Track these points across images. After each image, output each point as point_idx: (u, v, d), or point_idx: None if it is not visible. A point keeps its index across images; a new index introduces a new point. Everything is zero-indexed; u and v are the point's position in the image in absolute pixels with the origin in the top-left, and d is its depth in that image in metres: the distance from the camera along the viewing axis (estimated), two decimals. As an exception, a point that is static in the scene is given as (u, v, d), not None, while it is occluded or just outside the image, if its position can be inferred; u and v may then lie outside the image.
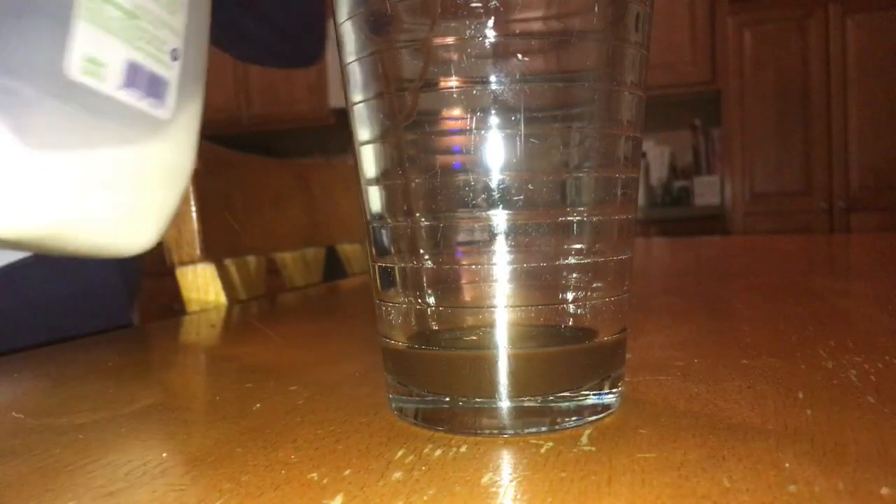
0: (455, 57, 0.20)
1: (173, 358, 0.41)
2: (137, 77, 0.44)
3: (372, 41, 0.22)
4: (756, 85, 2.92)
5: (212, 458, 0.20)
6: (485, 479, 0.18)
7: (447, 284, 0.22)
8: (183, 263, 0.61)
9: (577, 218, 0.21)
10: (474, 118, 0.20)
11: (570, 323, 0.22)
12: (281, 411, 0.25)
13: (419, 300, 0.22)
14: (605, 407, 0.22)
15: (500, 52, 0.20)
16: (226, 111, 3.45)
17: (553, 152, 0.21)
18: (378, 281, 0.24)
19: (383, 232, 0.23)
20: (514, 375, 0.21)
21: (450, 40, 0.20)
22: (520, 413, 0.21)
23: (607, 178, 0.22)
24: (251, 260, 0.72)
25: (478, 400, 0.21)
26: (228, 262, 0.66)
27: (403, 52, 0.21)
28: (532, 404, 0.21)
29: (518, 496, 0.17)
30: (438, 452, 0.20)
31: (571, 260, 0.21)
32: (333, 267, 0.91)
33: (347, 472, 0.18)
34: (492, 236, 0.21)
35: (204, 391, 0.31)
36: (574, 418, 0.21)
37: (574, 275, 0.22)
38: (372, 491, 0.17)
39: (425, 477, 0.18)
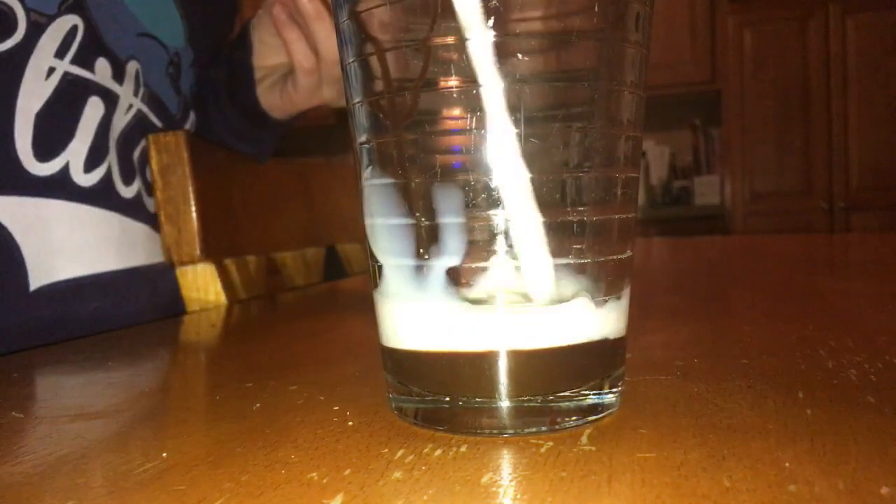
0: (455, 57, 0.20)
1: (173, 358, 0.41)
2: None
3: (372, 41, 0.22)
4: (756, 85, 2.92)
5: (212, 458, 0.20)
6: (485, 479, 0.18)
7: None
8: (183, 263, 0.61)
9: (577, 218, 0.21)
10: (474, 118, 0.20)
11: (570, 323, 0.22)
12: (281, 411, 0.25)
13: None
14: (605, 407, 0.22)
15: (500, 52, 0.20)
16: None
17: (553, 152, 0.21)
18: (378, 280, 0.24)
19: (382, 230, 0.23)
20: (515, 375, 0.21)
21: (450, 40, 0.20)
22: (520, 413, 0.21)
23: (607, 178, 0.22)
24: (251, 260, 0.72)
25: (478, 400, 0.21)
26: (228, 261, 0.66)
27: (403, 52, 0.21)
28: (532, 404, 0.21)
29: (518, 496, 0.17)
30: (438, 452, 0.20)
31: (571, 260, 0.21)
32: (333, 267, 0.91)
33: (347, 472, 0.18)
34: (492, 236, 0.21)
35: (204, 391, 0.31)
36: (574, 418, 0.21)
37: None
38: (372, 491, 0.17)
39: (425, 477, 0.18)
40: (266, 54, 0.67)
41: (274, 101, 0.69)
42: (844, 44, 2.83)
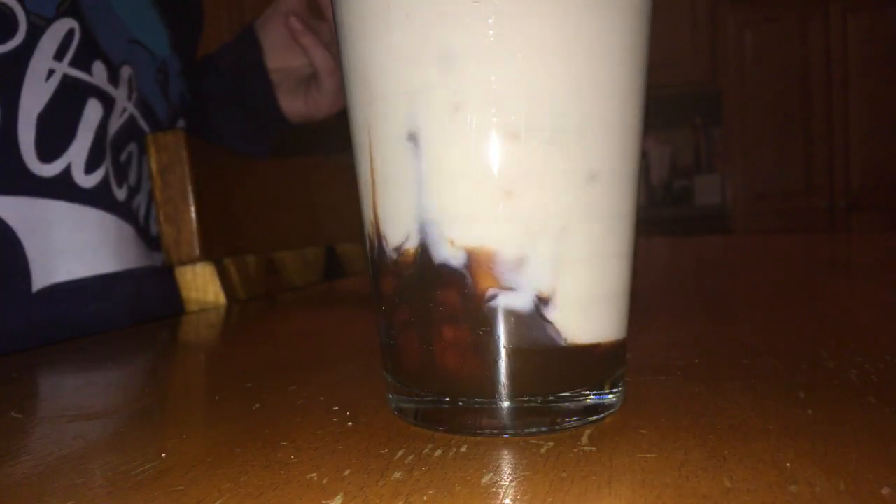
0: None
1: (173, 358, 0.41)
2: None
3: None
4: (757, 83, 2.92)
5: (211, 458, 0.20)
6: (485, 479, 0.18)
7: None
8: (182, 263, 0.61)
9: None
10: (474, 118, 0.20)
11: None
12: (281, 411, 0.25)
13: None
14: (606, 407, 0.22)
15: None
16: (226, 111, 3.44)
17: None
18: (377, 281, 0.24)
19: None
20: (514, 375, 0.21)
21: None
22: (520, 413, 0.21)
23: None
24: (251, 260, 0.72)
25: (478, 400, 0.21)
26: (228, 261, 0.66)
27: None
28: (532, 404, 0.21)
29: (518, 496, 0.16)
30: (438, 452, 0.20)
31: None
32: (333, 267, 0.91)
33: (347, 472, 0.18)
34: None
35: (204, 391, 0.31)
36: (574, 418, 0.21)
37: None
38: (372, 491, 0.17)
39: (425, 477, 0.18)
40: (277, 56, 0.67)
41: (298, 106, 0.69)
42: (845, 43, 2.83)
